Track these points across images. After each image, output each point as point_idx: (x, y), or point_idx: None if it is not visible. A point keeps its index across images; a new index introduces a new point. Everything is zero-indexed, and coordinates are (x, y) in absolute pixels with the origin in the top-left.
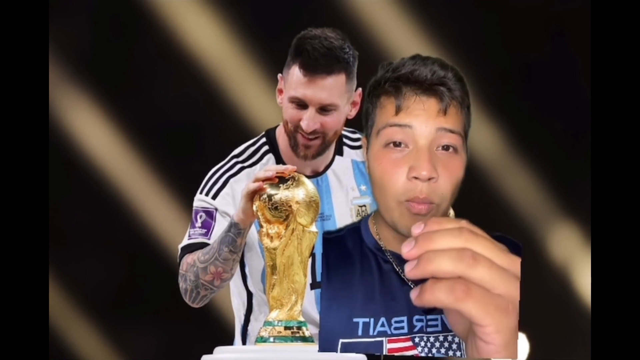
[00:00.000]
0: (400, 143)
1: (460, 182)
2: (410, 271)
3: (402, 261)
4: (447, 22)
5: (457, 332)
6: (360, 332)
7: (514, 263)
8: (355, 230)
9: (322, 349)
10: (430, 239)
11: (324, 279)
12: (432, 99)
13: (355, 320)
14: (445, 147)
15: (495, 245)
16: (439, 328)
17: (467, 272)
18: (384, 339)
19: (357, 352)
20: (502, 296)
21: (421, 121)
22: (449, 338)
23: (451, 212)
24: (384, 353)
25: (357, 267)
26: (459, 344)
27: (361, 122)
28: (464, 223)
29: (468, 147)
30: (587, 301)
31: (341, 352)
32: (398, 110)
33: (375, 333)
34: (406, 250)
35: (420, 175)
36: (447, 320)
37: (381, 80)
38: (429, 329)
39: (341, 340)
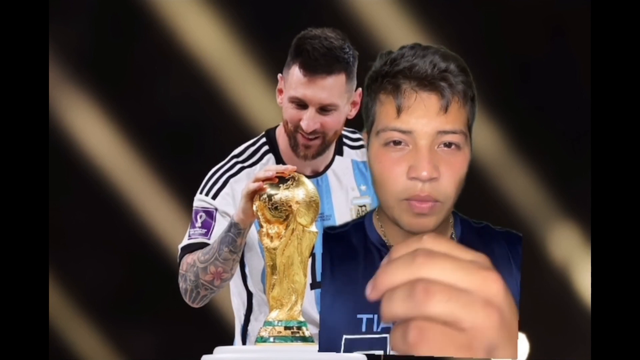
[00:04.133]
0: (400, 142)
1: (463, 179)
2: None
3: None
4: (447, 22)
5: None
6: (364, 329)
7: (484, 281)
8: (359, 226)
9: (324, 345)
10: (385, 273)
11: (327, 274)
12: (432, 96)
13: (359, 316)
14: (447, 145)
15: (459, 264)
16: None
17: (421, 310)
18: (388, 335)
19: (360, 349)
20: (466, 331)
21: (422, 123)
22: None
23: None
24: (389, 349)
25: (361, 263)
26: None
27: (361, 122)
28: (425, 241)
29: (472, 141)
30: (587, 301)
31: (345, 348)
32: (399, 112)
33: (379, 329)
34: (367, 291)
35: (421, 176)
36: None
37: (379, 73)
38: None
39: (345, 337)
